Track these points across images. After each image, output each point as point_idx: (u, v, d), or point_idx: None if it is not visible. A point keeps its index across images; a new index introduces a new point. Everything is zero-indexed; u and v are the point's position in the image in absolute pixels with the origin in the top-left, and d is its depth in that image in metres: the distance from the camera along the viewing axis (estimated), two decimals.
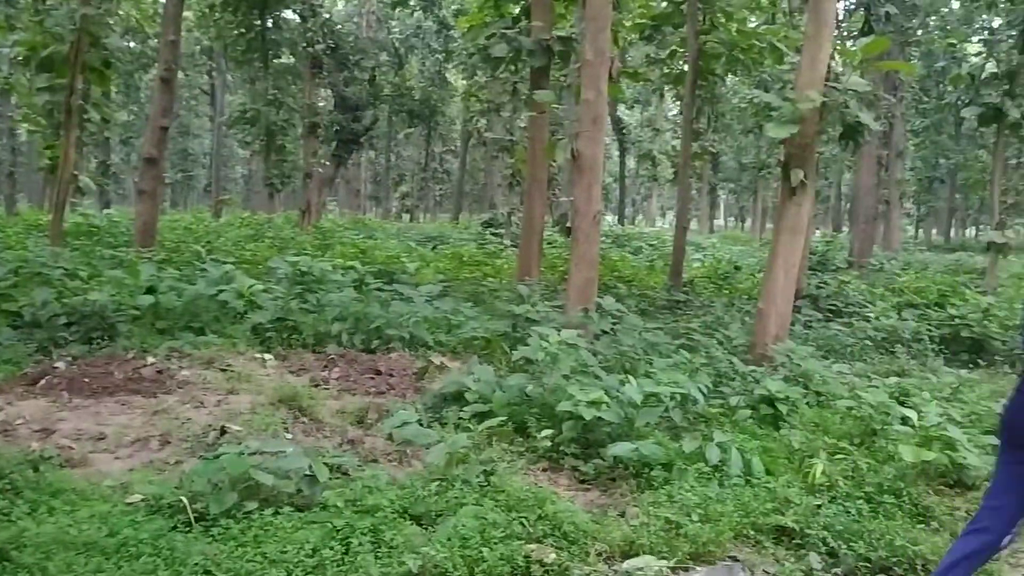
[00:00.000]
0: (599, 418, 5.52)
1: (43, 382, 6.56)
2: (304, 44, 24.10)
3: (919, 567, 4.31)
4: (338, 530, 4.01)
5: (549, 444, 5.58)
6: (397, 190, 52.78)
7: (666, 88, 19.43)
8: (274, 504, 4.24)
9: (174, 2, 14.44)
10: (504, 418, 5.87)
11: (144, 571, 3.55)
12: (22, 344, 7.53)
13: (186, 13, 21.62)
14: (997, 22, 24.63)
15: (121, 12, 22.87)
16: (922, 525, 4.72)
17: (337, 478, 4.73)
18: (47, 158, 17.98)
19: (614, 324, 8.82)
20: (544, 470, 5.48)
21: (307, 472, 4.48)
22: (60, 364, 7.08)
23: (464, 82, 36.27)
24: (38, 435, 5.40)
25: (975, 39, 30.60)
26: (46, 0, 14.95)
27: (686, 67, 15.28)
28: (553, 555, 4.09)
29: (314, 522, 4.11)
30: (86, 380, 6.63)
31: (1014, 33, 15.23)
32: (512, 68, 14.77)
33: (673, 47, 16.06)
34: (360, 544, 3.91)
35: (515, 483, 4.77)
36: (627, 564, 4.14)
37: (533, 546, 4.13)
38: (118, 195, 46.63)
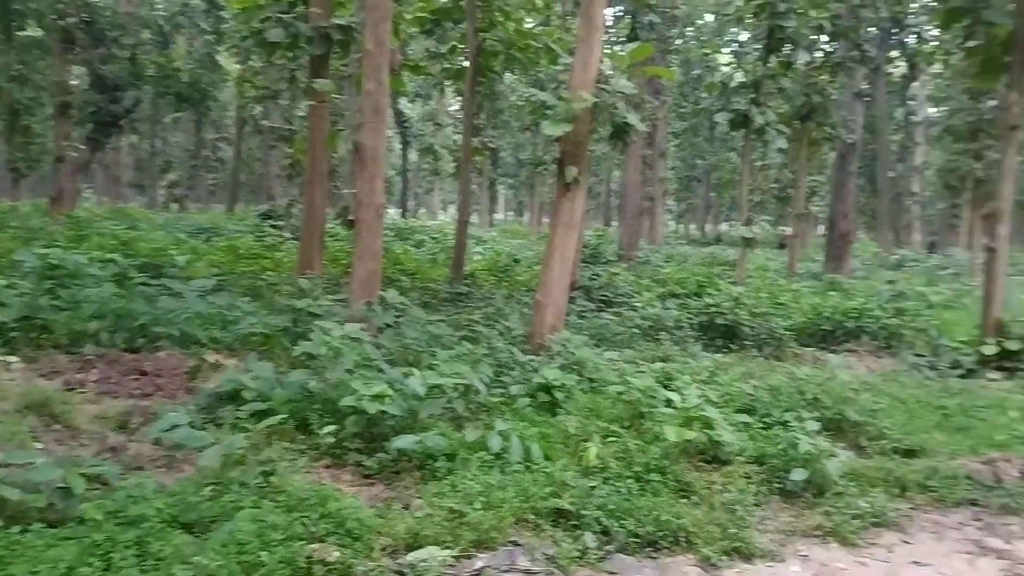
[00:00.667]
0: (383, 412, 5.49)
1: None
2: (53, 16, 21.91)
3: (682, 539, 4.66)
4: (98, 545, 3.70)
5: (332, 440, 5.47)
6: (164, 178, 49.39)
7: (447, 83, 19.60)
8: (22, 521, 3.84)
9: None
10: (284, 416, 5.68)
11: None
12: None
13: None
14: (745, 36, 27.19)
15: None
16: (684, 500, 5.11)
17: (96, 489, 4.36)
18: None
19: (397, 317, 8.79)
20: (327, 467, 5.37)
21: (60, 484, 4.09)
22: None
23: (237, 66, 34.60)
24: None
25: (726, 50, 33.60)
26: None
27: (466, 63, 15.51)
28: (336, 553, 4.02)
29: (69, 538, 3.76)
30: None
31: (759, 47, 16.83)
32: (289, 55, 14.29)
33: (453, 43, 16.24)
34: (123, 559, 3.64)
35: (296, 482, 4.63)
36: (411, 556, 4.16)
37: (315, 546, 4.04)
38: None
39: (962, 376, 9.64)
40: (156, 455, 5.26)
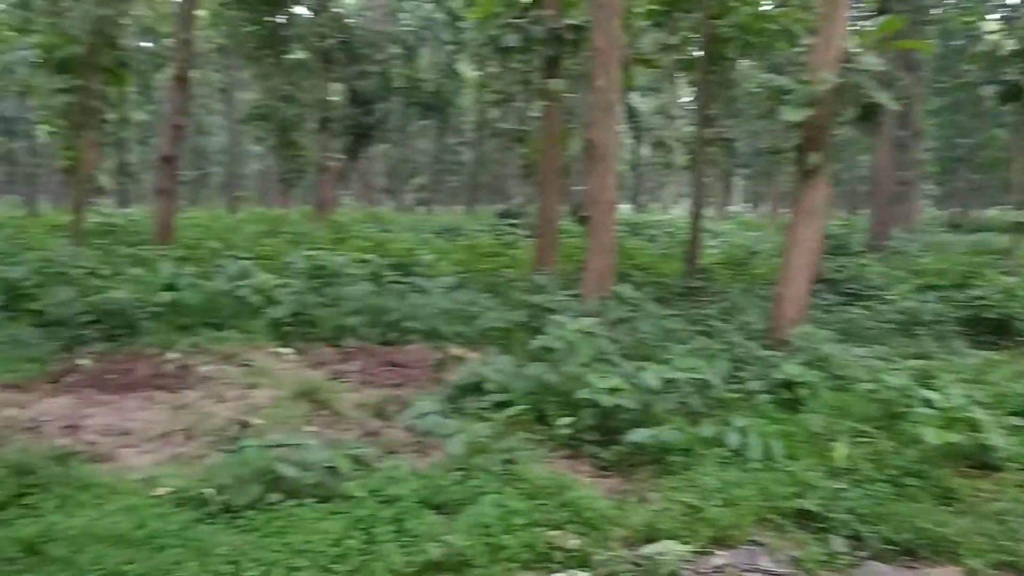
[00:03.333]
0: (618, 405, 5.53)
1: (68, 379, 6.66)
2: (315, 39, 24.15)
3: (944, 549, 4.29)
4: (361, 520, 4.06)
5: (569, 432, 5.60)
6: (412, 182, 52.82)
7: (679, 74, 19.30)
8: (297, 496, 4.29)
9: (187, 1, 14.51)
10: (523, 407, 5.90)
11: (173, 562, 3.61)
12: (46, 342, 7.62)
13: (199, 12, 21.69)
14: None
15: (135, 13, 22.99)
16: (946, 507, 4.70)
17: (358, 469, 4.77)
18: (66, 159, 18.14)
19: (631, 312, 8.81)
20: (564, 457, 5.51)
21: (329, 464, 4.53)
22: (84, 361, 7.18)
23: (476, 73, 36.18)
24: (64, 431, 5.48)
25: (993, 16, 30.23)
26: (61, 2, 15.07)
27: (698, 53, 15.19)
28: (574, 541, 4.12)
29: (337, 513, 4.16)
30: (109, 377, 6.72)
31: None
32: (523, 58, 14.74)
33: (685, 32, 15.95)
34: (383, 533, 3.95)
35: (535, 471, 4.80)
36: (648, 548, 4.16)
37: (554, 532, 4.16)
38: (136, 194, 46.92)
39: None
40: (409, 440, 5.66)
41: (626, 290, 8.99)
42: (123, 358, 7.34)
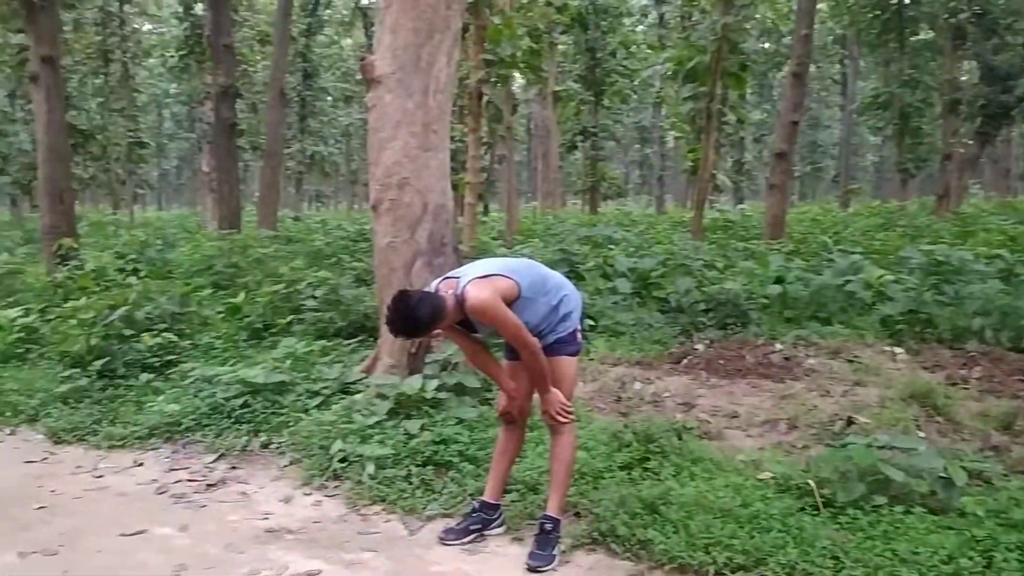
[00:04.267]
0: None
1: (685, 361, 7.30)
2: (945, 15, 22.21)
3: None
4: (978, 541, 3.63)
5: None
6: None
7: None
8: (905, 502, 4.02)
9: None
10: None
11: (774, 544, 3.71)
12: (669, 327, 8.48)
13: (819, 5, 21.72)
14: None
15: (757, 15, 24.07)
16: None
17: (977, 485, 4.28)
18: (690, 160, 19.95)
19: None
20: None
21: (942, 474, 4.14)
22: (699, 346, 7.80)
23: None
24: (681, 407, 6.03)
25: None
26: (692, 16, 16.56)
27: None
28: None
29: (950, 528, 3.79)
30: (721, 362, 7.18)
31: None
32: None
33: None
34: (1004, 560, 3.48)
35: None
36: None
37: None
38: (750, 191, 49.30)
39: None
40: None
41: None
42: (733, 345, 7.76)
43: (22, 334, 7.95)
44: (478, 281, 3.70)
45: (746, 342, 7.86)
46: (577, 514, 4.25)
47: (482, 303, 3.62)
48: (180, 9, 26.69)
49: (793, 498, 4.20)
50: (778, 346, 7.65)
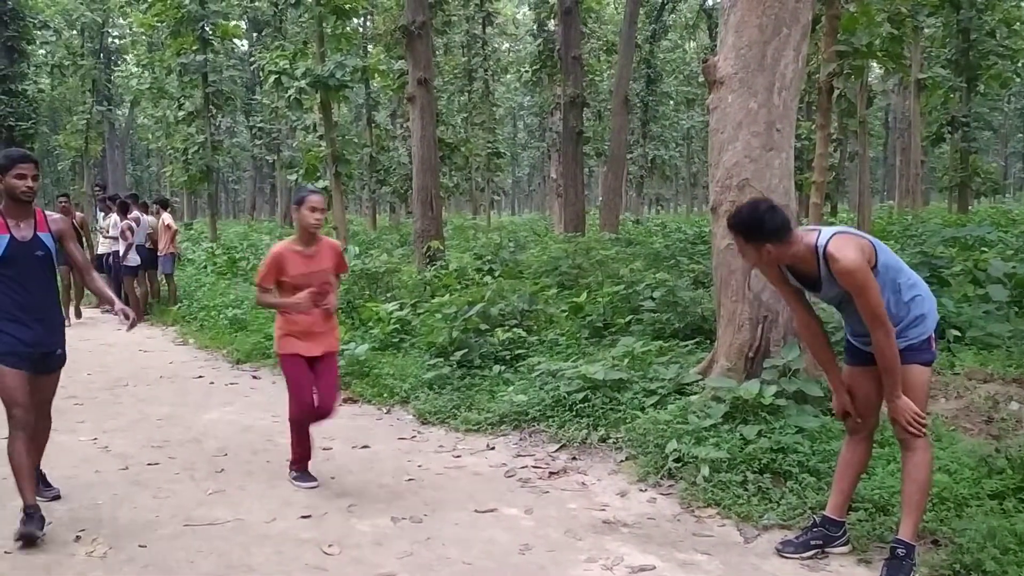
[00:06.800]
0: None
1: None
2: None
3: None
4: None
5: None
6: None
7: None
8: None
9: None
10: None
11: None
12: None
13: None
14: None
15: None
16: None
17: None
18: None
19: None
20: None
21: None
22: None
23: None
24: None
25: None
26: None
27: None
28: None
29: None
30: None
31: None
32: None
33: None
34: None
35: None
36: None
37: None
38: None
39: None
40: None
41: None
42: None
43: (397, 325, 9.05)
44: (842, 236, 3.44)
45: None
46: (935, 542, 3.87)
47: (855, 264, 3.32)
48: (535, 26, 28.55)
49: None
50: None
